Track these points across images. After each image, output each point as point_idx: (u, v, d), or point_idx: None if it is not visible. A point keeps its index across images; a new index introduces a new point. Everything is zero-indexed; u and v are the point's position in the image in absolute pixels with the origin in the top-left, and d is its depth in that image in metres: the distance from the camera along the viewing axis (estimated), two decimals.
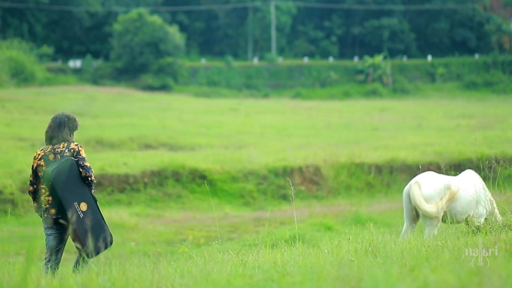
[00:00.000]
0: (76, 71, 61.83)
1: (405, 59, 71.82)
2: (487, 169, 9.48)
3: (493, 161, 9.26)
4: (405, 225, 9.49)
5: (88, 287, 5.62)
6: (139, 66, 61.53)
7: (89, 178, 7.53)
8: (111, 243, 7.65)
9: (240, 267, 6.33)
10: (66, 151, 7.63)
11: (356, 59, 71.17)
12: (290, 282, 5.39)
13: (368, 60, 67.95)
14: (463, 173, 9.76)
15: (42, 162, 7.67)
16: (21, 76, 52.55)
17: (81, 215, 7.43)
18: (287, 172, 20.68)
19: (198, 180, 19.81)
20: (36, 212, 7.93)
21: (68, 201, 7.41)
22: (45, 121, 31.11)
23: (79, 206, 7.46)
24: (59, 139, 7.72)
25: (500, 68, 69.89)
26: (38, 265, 9.18)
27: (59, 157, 7.62)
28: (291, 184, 9.16)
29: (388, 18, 73.62)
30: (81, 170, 7.52)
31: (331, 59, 71.03)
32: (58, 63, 63.15)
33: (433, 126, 34.71)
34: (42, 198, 7.65)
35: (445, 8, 74.29)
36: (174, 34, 62.41)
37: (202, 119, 37.38)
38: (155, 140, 28.33)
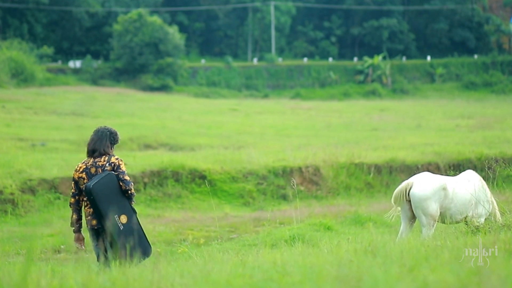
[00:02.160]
0: (76, 71, 61.84)
1: (404, 59, 71.85)
2: (486, 169, 9.50)
3: (493, 162, 9.28)
4: (402, 225, 9.51)
5: (88, 287, 5.62)
6: (139, 67, 61.54)
7: (129, 192, 7.80)
8: (150, 254, 7.94)
9: (240, 267, 6.33)
10: (107, 165, 7.85)
11: (355, 59, 71.20)
12: (290, 282, 5.40)
13: (368, 61, 67.98)
14: (463, 173, 9.76)
15: (83, 175, 7.88)
16: (21, 77, 52.55)
17: (121, 227, 7.72)
18: (286, 172, 20.69)
19: (198, 180, 19.81)
20: (71, 226, 8.07)
21: (108, 214, 7.68)
22: (45, 121, 30.96)
23: (119, 219, 7.73)
24: (101, 152, 7.93)
25: (499, 68, 69.91)
26: (38, 265, 9.18)
27: (100, 170, 7.83)
28: (294, 184, 9.19)
29: (387, 19, 73.61)
30: (121, 184, 7.77)
31: (330, 60, 71.04)
32: (58, 64, 63.15)
33: (432, 126, 34.72)
34: (85, 210, 7.93)
35: (444, 8, 74.28)
36: (174, 34, 62.42)
37: (202, 120, 37.39)
38: (155, 140, 28.35)
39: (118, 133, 8.14)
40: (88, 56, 63.45)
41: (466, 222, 9.18)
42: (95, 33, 68.08)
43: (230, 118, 39.42)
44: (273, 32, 72.37)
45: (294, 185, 9.17)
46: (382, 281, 5.03)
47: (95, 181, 7.66)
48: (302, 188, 20.33)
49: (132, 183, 7.88)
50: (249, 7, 72.75)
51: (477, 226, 8.44)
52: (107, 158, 7.90)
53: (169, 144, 27.87)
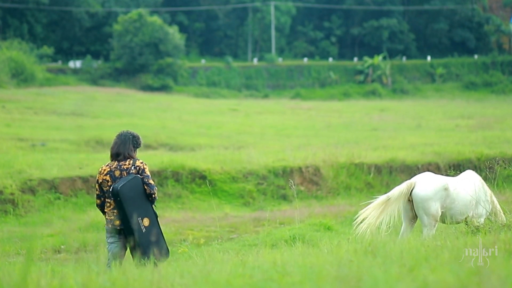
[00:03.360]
0: (76, 71, 61.84)
1: (404, 59, 71.86)
2: (486, 169, 9.50)
3: (493, 162, 9.28)
4: (403, 226, 9.51)
5: (88, 287, 5.63)
6: (139, 67, 61.55)
7: (153, 195, 7.98)
8: (168, 256, 8.14)
9: (240, 267, 6.33)
10: (132, 168, 8.02)
11: (355, 59, 71.21)
12: (289, 282, 5.40)
13: (368, 61, 67.99)
14: (463, 173, 9.77)
15: (108, 178, 8.03)
16: (21, 77, 52.56)
17: (144, 230, 7.91)
18: (286, 172, 20.69)
19: (198, 180, 19.81)
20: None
21: (132, 216, 7.86)
22: (45, 121, 30.89)
23: (142, 221, 7.93)
24: (125, 156, 8.09)
25: (499, 68, 69.92)
26: (38, 265, 9.19)
27: (125, 174, 8.00)
28: (293, 186, 9.20)
29: (387, 19, 73.62)
30: (146, 187, 7.95)
31: (330, 60, 71.05)
32: (58, 64, 63.16)
33: (432, 127, 34.72)
34: (107, 210, 8.06)
35: (444, 8, 74.29)
36: (174, 34, 62.42)
37: (202, 120, 37.39)
38: (155, 140, 28.34)
39: (140, 137, 8.34)
40: (88, 56, 63.46)
41: (466, 222, 9.18)
42: (95, 33, 68.08)
43: (230, 118, 39.42)
44: (273, 32, 72.37)
45: (292, 186, 9.18)
46: (382, 281, 5.03)
47: (123, 183, 7.83)
48: (302, 188, 20.33)
49: (156, 188, 8.06)
50: (249, 7, 72.75)
51: (477, 226, 8.44)
52: (132, 161, 8.06)
53: (169, 144, 27.87)
